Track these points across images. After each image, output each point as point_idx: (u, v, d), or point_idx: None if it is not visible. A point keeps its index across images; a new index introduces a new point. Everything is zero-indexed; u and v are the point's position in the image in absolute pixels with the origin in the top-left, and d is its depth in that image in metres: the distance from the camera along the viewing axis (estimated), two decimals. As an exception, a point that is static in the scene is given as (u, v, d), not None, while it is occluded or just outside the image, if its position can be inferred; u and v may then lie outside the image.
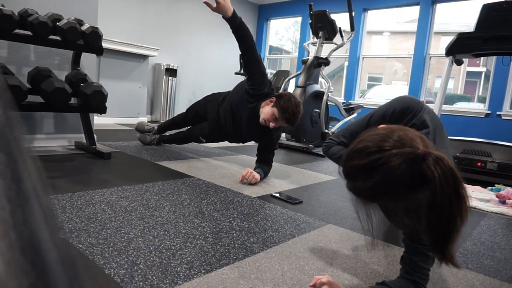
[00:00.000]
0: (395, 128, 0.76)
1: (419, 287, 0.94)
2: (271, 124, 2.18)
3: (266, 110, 2.20)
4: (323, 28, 3.97)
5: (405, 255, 0.99)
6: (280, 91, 4.50)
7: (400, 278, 0.98)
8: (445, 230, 0.67)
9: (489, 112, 4.62)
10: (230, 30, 2.21)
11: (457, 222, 0.66)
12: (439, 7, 5.14)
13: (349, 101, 5.83)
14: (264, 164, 2.36)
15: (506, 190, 2.31)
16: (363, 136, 0.78)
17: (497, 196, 2.28)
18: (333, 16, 3.95)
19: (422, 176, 0.68)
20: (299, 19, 6.72)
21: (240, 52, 2.31)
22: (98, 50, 2.43)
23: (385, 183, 0.71)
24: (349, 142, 1.26)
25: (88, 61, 2.72)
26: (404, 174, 0.69)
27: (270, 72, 7.37)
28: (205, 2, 2.03)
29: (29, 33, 2.16)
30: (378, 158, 0.71)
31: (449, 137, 1.23)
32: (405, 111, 1.10)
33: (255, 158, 2.44)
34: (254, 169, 2.25)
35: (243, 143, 2.68)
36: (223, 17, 2.13)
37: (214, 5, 2.06)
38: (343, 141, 1.26)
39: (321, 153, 3.62)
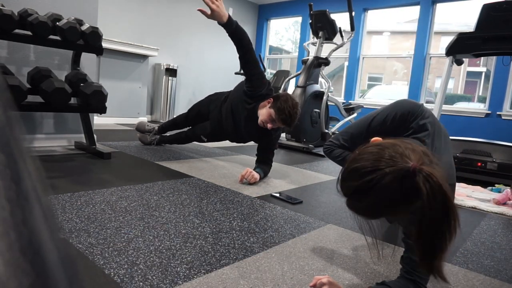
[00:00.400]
0: (387, 145, 0.78)
1: (419, 287, 0.94)
2: (269, 125, 2.18)
3: (264, 112, 2.20)
4: (323, 28, 3.96)
5: (405, 255, 0.99)
6: (280, 91, 4.50)
7: (400, 278, 0.98)
8: (432, 244, 0.69)
9: (489, 112, 4.62)
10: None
11: (445, 237, 0.68)
12: (439, 7, 5.14)
13: (349, 101, 5.83)
14: (263, 164, 2.36)
15: (506, 191, 2.30)
16: (355, 155, 0.80)
17: (495, 203, 2.26)
18: (333, 16, 3.95)
19: (414, 189, 0.70)
20: (299, 19, 6.72)
21: (238, 55, 2.31)
22: (98, 50, 2.43)
23: (380, 202, 0.74)
24: (349, 145, 1.27)
25: (88, 61, 2.72)
26: (396, 191, 0.72)
27: (270, 72, 7.37)
28: (199, 10, 2.03)
29: (29, 33, 2.16)
30: (371, 179, 0.73)
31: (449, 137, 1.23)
32: (406, 116, 1.11)
33: (255, 158, 2.45)
34: (254, 169, 2.25)
35: (243, 143, 2.68)
36: (219, 23, 2.13)
37: (209, 12, 2.06)
38: (344, 144, 1.27)
39: (321, 153, 3.62)
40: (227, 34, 2.19)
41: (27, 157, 0.22)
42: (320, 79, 4.14)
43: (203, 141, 2.80)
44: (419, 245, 0.71)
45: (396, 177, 0.71)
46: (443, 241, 0.68)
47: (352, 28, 3.94)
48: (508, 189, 2.32)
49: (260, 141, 2.44)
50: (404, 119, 1.11)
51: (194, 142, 3.19)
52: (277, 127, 2.26)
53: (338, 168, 3.17)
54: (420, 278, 0.94)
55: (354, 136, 1.25)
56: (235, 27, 2.15)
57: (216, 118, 2.59)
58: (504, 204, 2.24)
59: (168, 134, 3.09)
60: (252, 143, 2.68)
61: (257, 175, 2.17)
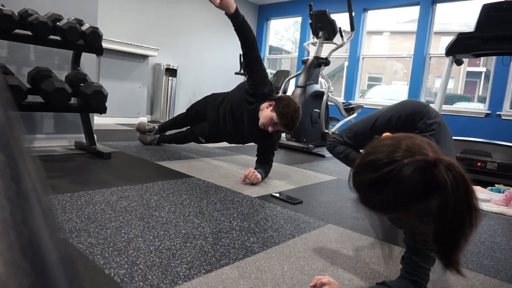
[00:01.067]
0: (402, 137, 0.75)
1: (420, 287, 0.94)
2: (270, 129, 2.17)
3: (265, 114, 2.18)
4: (323, 28, 3.97)
5: (405, 255, 0.99)
6: (280, 91, 4.51)
7: (400, 278, 0.98)
8: (454, 236, 0.67)
9: (489, 112, 4.62)
10: (231, 30, 2.21)
11: (466, 229, 0.66)
12: (439, 7, 5.14)
13: (349, 101, 5.83)
14: (264, 164, 2.36)
15: (506, 193, 2.29)
16: (370, 148, 0.77)
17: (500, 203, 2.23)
18: (333, 16, 3.95)
19: (435, 182, 0.67)
20: (299, 19, 6.72)
21: (241, 52, 2.31)
22: (98, 50, 2.43)
23: (399, 194, 0.71)
24: (352, 143, 1.28)
25: (88, 61, 2.72)
26: (417, 183, 0.69)
27: (270, 72, 7.37)
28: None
29: (29, 33, 2.16)
30: (390, 170, 0.70)
31: None
32: (412, 116, 1.11)
33: (255, 158, 2.44)
34: (255, 169, 2.25)
35: (242, 144, 2.68)
36: (226, 13, 2.14)
37: (218, 1, 2.07)
38: (347, 141, 1.28)
39: (321, 153, 3.62)
40: (231, 29, 2.19)
41: (27, 157, 0.22)
42: (320, 79, 4.14)
43: (201, 142, 2.80)
44: (438, 238, 0.69)
45: (417, 168, 0.68)
46: (464, 234, 0.66)
47: (352, 28, 3.94)
48: (508, 192, 2.30)
49: (261, 142, 2.44)
50: (411, 119, 1.11)
51: (193, 143, 3.18)
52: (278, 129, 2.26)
53: (338, 168, 3.17)
54: (420, 278, 0.94)
55: (358, 134, 1.26)
56: (241, 20, 2.15)
57: (213, 120, 2.59)
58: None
59: (167, 133, 3.09)
60: (252, 143, 2.69)
61: (259, 176, 2.17)
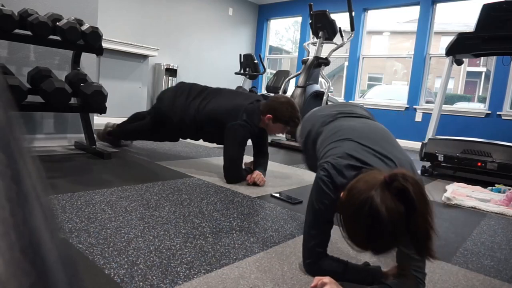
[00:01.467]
0: (356, 183, 0.83)
1: (419, 282, 0.94)
2: (282, 133, 2.19)
3: (271, 128, 2.19)
4: (323, 28, 3.96)
5: (397, 250, 1.00)
6: (280, 91, 4.50)
7: (399, 277, 0.98)
8: (425, 230, 0.76)
9: (489, 112, 4.62)
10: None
11: (431, 220, 0.76)
12: (439, 7, 5.14)
13: (349, 101, 5.83)
14: (262, 157, 2.34)
15: (507, 193, 2.29)
16: (346, 205, 0.83)
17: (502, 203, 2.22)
18: (333, 16, 3.95)
19: (402, 192, 0.75)
20: (299, 19, 6.72)
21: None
22: (98, 50, 2.43)
23: (391, 218, 0.76)
24: (326, 243, 1.08)
25: (88, 61, 2.72)
26: (393, 200, 0.76)
27: (270, 72, 7.37)
28: None
29: (29, 33, 2.16)
30: (369, 206, 0.77)
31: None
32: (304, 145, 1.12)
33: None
34: (256, 168, 2.25)
35: None
36: None
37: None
38: (322, 251, 1.07)
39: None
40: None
41: (27, 157, 0.22)
42: (320, 79, 4.14)
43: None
44: (413, 235, 0.77)
45: (382, 190, 0.77)
46: (431, 224, 0.76)
47: (352, 28, 3.94)
48: (508, 192, 2.29)
49: (257, 140, 2.41)
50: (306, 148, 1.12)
51: (193, 142, 3.18)
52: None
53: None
54: (416, 271, 0.94)
55: (322, 239, 1.07)
56: None
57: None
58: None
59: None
60: (249, 142, 2.66)
61: (265, 179, 2.19)
